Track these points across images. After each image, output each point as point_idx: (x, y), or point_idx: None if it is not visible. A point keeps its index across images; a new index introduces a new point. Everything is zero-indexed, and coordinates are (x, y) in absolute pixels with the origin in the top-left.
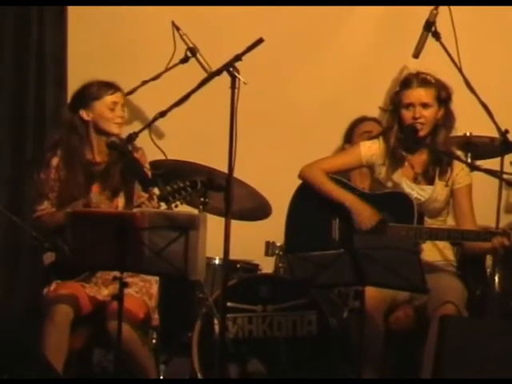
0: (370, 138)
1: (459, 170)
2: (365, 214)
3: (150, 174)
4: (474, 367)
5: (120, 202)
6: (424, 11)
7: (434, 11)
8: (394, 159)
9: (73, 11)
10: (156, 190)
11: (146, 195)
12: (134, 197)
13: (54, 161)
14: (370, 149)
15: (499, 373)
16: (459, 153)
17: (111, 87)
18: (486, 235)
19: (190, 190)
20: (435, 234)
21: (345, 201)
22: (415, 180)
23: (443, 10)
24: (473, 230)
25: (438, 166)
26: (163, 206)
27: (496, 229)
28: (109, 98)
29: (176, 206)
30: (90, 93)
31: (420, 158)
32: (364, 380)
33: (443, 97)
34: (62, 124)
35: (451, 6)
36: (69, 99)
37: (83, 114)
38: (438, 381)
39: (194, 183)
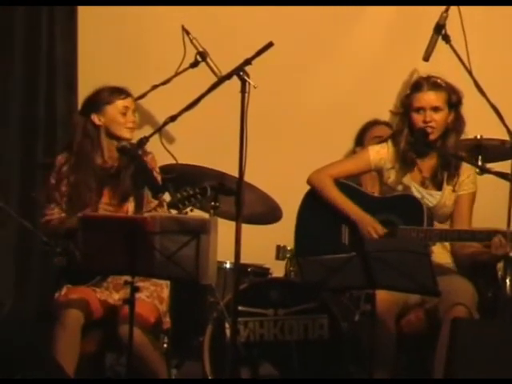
0: (379, 143)
1: (465, 177)
2: (369, 225)
3: (159, 178)
4: (485, 370)
5: (130, 207)
6: (434, 13)
7: (444, 14)
8: (405, 163)
9: (83, 15)
10: (166, 197)
11: (155, 202)
12: (144, 202)
13: (65, 165)
14: (379, 153)
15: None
16: (468, 157)
17: (123, 92)
18: (495, 234)
19: (200, 197)
20: (445, 236)
21: (348, 212)
22: (423, 184)
23: (453, 12)
24: (483, 230)
25: (446, 170)
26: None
27: (507, 230)
28: (120, 103)
29: (186, 213)
30: (101, 98)
31: (429, 163)
32: (367, 380)
33: (454, 101)
34: (74, 128)
35: (461, 8)
36: (79, 103)
37: (95, 118)
38: (446, 381)
39: (203, 190)
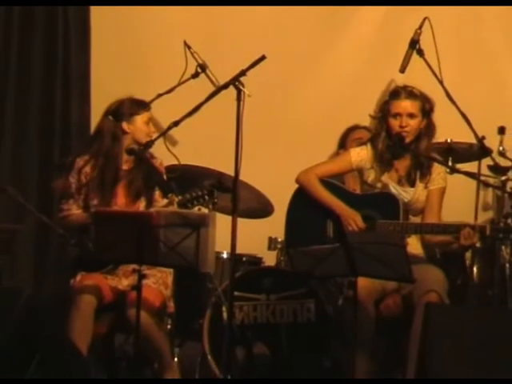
0: (359, 145)
1: (436, 174)
2: (351, 219)
3: (165, 177)
4: (455, 350)
5: (141, 205)
6: (410, 30)
7: (418, 30)
8: (382, 163)
9: (95, 32)
10: (174, 196)
11: (164, 201)
12: (154, 201)
13: (86, 166)
14: (359, 154)
15: (479, 354)
16: (440, 158)
17: (146, 105)
18: (464, 227)
19: (207, 197)
20: (419, 229)
21: (332, 206)
22: (399, 182)
23: (427, 28)
24: (453, 224)
25: (419, 169)
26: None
27: (474, 224)
28: (146, 115)
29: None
30: (131, 109)
31: (404, 163)
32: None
33: (427, 109)
34: (105, 133)
35: (433, 25)
36: (92, 112)
37: (125, 126)
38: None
39: (210, 192)
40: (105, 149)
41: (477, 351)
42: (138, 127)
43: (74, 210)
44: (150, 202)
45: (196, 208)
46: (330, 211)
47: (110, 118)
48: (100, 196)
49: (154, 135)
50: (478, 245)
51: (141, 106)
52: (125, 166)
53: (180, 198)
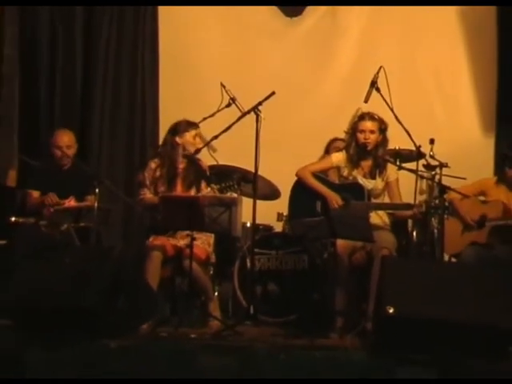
0: (338, 151)
1: (390, 171)
2: (333, 200)
3: (208, 173)
4: (402, 288)
5: (192, 192)
6: (371, 74)
7: (376, 75)
8: (353, 163)
9: (163, 72)
10: (214, 186)
11: (208, 189)
12: (201, 189)
13: (154, 166)
14: (337, 157)
15: (418, 291)
16: (391, 160)
17: (194, 125)
18: (408, 206)
19: (236, 186)
20: (379, 207)
21: (321, 192)
22: (364, 176)
23: (382, 74)
24: (402, 204)
25: (377, 168)
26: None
27: (414, 203)
28: (193, 132)
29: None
30: (182, 127)
31: (367, 163)
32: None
33: (382, 128)
34: (167, 144)
35: (387, 73)
36: (161, 130)
37: (177, 139)
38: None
39: (238, 183)
40: (167, 154)
41: (417, 289)
42: (186, 140)
43: (148, 195)
44: (198, 190)
45: (228, 193)
46: (319, 195)
47: (170, 134)
48: (165, 186)
49: (200, 145)
50: (417, 216)
51: (190, 125)
52: (181, 166)
53: (218, 187)
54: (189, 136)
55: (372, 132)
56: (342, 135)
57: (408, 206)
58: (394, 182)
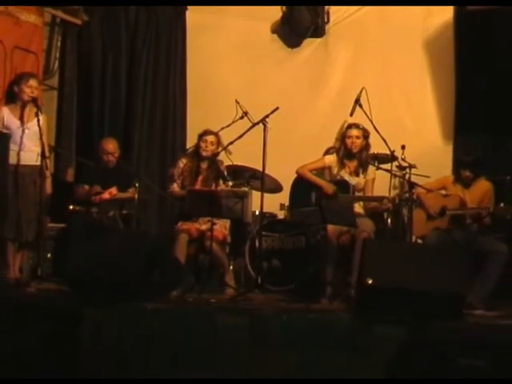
0: (330, 154)
1: (370, 171)
2: (328, 188)
3: (226, 172)
4: (379, 264)
5: (212, 187)
6: (355, 94)
7: (359, 94)
8: (342, 164)
9: (190, 92)
10: (230, 182)
11: (225, 185)
12: (219, 185)
13: (182, 164)
14: (329, 159)
15: (395, 267)
16: (372, 162)
17: (213, 133)
18: (381, 199)
19: (248, 182)
20: (361, 199)
21: (317, 182)
22: (350, 174)
23: (364, 93)
24: (377, 196)
25: (361, 168)
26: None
27: (387, 196)
28: (211, 138)
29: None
30: (203, 134)
31: (353, 164)
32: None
33: (366, 135)
34: (194, 147)
35: (368, 92)
36: (190, 139)
37: (199, 144)
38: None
39: (249, 179)
40: (191, 157)
41: (391, 264)
42: (205, 145)
43: (176, 189)
44: (217, 185)
45: (242, 188)
46: (316, 186)
47: (197, 139)
48: (190, 181)
49: (218, 149)
50: (391, 208)
51: (208, 133)
52: (203, 165)
53: (233, 183)
54: (208, 141)
55: (358, 137)
56: (333, 141)
57: (381, 199)
58: (371, 181)
